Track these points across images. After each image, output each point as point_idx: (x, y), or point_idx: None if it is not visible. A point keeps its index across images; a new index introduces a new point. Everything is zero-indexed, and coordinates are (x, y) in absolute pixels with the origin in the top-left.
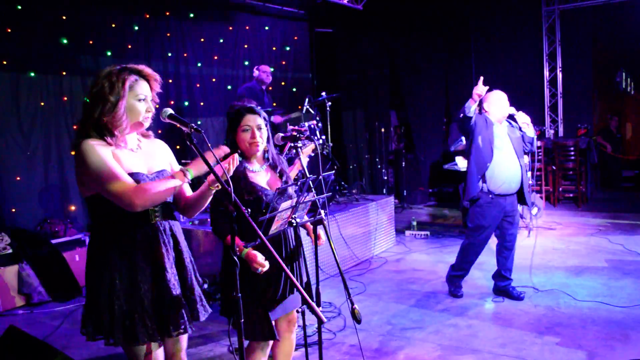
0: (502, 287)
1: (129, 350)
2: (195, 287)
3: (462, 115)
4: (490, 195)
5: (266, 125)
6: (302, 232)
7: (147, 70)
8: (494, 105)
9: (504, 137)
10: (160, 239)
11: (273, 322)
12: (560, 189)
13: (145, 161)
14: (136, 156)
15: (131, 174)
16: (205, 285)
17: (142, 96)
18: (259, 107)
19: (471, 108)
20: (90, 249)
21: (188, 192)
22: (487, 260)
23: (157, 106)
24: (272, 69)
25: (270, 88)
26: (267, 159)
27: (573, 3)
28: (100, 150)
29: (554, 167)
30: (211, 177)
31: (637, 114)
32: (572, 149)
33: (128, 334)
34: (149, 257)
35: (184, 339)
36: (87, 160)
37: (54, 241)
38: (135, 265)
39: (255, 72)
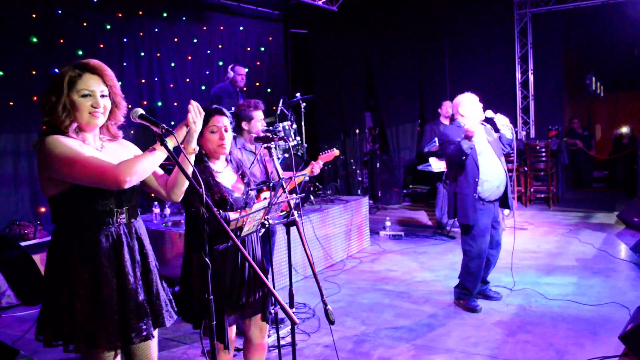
0: (481, 290)
1: (89, 356)
2: (160, 291)
3: (463, 157)
4: (482, 202)
5: (231, 127)
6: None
7: (93, 62)
8: (469, 109)
9: (483, 142)
10: (125, 242)
11: (230, 328)
12: (532, 189)
13: (111, 161)
14: (101, 156)
15: None
16: (177, 288)
17: (85, 91)
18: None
19: (467, 145)
20: (51, 251)
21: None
22: (459, 260)
23: (127, 104)
24: (246, 70)
25: (245, 89)
26: (230, 160)
27: (544, 7)
28: (66, 140)
29: (525, 168)
30: (188, 144)
31: (606, 115)
32: (543, 150)
33: (89, 340)
34: (112, 261)
35: (153, 345)
36: (54, 152)
37: (23, 243)
38: (99, 269)
39: (230, 73)
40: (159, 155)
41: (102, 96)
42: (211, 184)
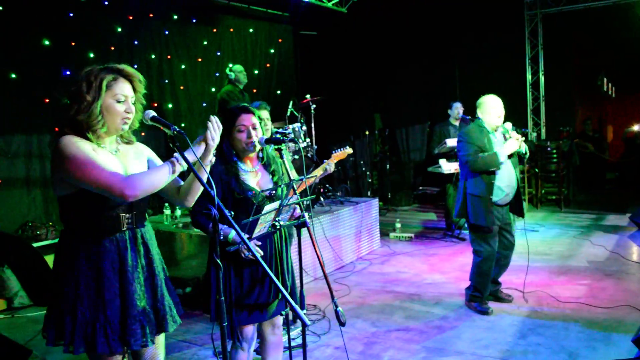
0: (493, 291)
1: (95, 358)
2: (165, 296)
3: (492, 169)
4: (494, 205)
5: (261, 124)
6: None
7: (128, 69)
8: (487, 114)
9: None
10: (129, 247)
11: (251, 326)
12: (543, 191)
13: (124, 165)
14: (114, 159)
15: None
16: (188, 289)
17: (120, 97)
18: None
19: (504, 159)
20: (58, 252)
21: (181, 180)
22: (469, 262)
23: (143, 107)
24: (256, 71)
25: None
26: (262, 158)
27: (555, 7)
28: (80, 143)
29: (536, 170)
30: (204, 158)
31: (618, 117)
32: (554, 151)
33: (88, 342)
34: (116, 265)
35: (160, 347)
36: (67, 153)
37: (35, 244)
38: (102, 273)
39: (231, 75)
40: (167, 172)
41: (133, 103)
42: (232, 185)
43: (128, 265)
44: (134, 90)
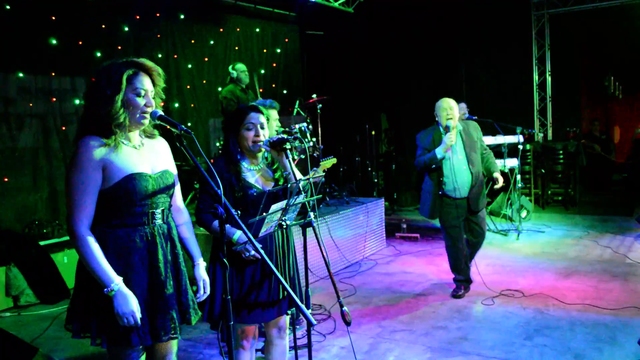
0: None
1: (115, 352)
2: (188, 290)
3: (433, 166)
4: (449, 199)
5: (269, 123)
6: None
7: (148, 63)
8: (439, 116)
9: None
10: (158, 242)
11: (253, 326)
12: (549, 192)
13: (149, 160)
14: (139, 154)
15: (134, 174)
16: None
17: (141, 90)
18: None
19: (441, 156)
20: None
21: (178, 199)
22: (474, 263)
23: (162, 103)
24: (262, 71)
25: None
26: (266, 157)
27: (562, 8)
28: (89, 153)
29: (543, 170)
30: None
31: (625, 117)
32: (561, 152)
33: (119, 335)
34: (145, 260)
35: (174, 342)
36: (73, 159)
37: (42, 243)
38: (131, 267)
39: (233, 73)
40: (92, 272)
41: (153, 97)
42: (232, 182)
43: (158, 261)
44: (154, 84)
